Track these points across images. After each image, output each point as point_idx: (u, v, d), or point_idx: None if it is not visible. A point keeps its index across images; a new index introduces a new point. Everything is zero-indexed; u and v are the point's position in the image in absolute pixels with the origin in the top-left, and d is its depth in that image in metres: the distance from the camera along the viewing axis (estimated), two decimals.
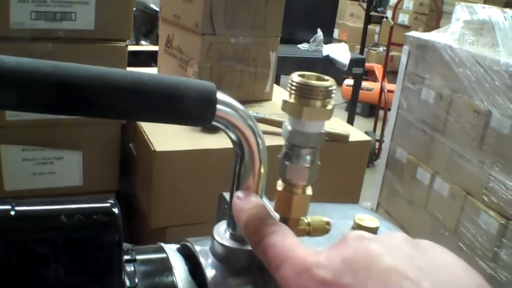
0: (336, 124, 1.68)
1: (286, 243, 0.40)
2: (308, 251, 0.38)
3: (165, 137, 1.42)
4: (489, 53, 2.67)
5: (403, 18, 7.10)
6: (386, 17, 5.08)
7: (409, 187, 3.12)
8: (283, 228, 0.41)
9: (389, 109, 3.67)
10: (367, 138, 1.62)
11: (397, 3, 4.73)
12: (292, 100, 0.41)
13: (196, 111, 0.43)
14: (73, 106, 0.43)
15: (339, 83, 5.91)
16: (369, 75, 5.87)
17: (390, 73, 4.89)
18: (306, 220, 0.47)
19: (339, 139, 1.51)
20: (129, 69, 1.84)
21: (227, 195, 0.55)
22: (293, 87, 0.41)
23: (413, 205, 3.08)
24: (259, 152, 0.47)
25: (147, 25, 6.18)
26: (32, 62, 0.41)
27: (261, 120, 1.51)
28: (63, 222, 0.43)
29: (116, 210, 0.45)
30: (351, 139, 1.53)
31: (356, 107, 4.01)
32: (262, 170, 0.48)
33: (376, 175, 3.54)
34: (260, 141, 0.46)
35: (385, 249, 0.35)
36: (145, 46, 2.87)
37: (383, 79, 4.46)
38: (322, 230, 0.48)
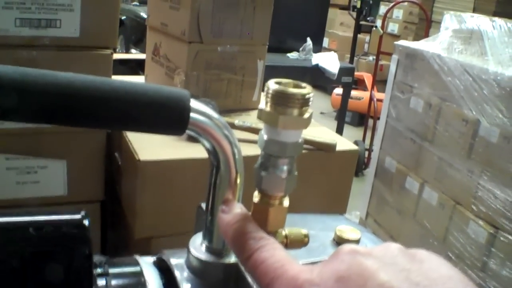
0: (324, 133, 1.67)
1: (276, 259, 0.38)
2: (299, 268, 0.37)
3: (150, 146, 1.40)
4: (478, 62, 2.68)
5: (393, 27, 7.12)
6: (376, 27, 5.08)
7: (398, 196, 3.11)
8: (271, 243, 0.40)
9: (378, 118, 3.67)
10: (355, 147, 1.61)
11: (387, 12, 4.75)
12: (268, 108, 0.40)
13: (168, 119, 0.42)
14: (36, 114, 0.41)
15: (329, 92, 5.92)
16: (359, 84, 5.88)
17: (380, 82, 4.89)
18: (283, 232, 0.46)
19: (326, 148, 1.50)
20: (115, 77, 1.83)
21: (203, 206, 0.53)
22: (269, 95, 0.40)
23: (402, 214, 3.08)
24: (235, 162, 0.45)
25: (137, 34, 6.17)
26: None
27: (248, 129, 1.49)
28: (31, 234, 0.42)
29: (86, 222, 0.43)
30: (338, 148, 1.52)
31: (345, 116, 4.01)
32: (238, 181, 0.46)
33: (365, 184, 3.53)
34: (236, 151, 0.45)
35: (380, 264, 0.34)
36: (133, 54, 2.86)
37: (372, 88, 4.47)
38: (300, 242, 0.46)
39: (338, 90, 5.07)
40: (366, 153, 4.35)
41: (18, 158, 1.44)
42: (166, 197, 1.38)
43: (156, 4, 1.87)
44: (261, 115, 0.41)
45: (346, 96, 3.89)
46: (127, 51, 6.27)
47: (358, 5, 5.24)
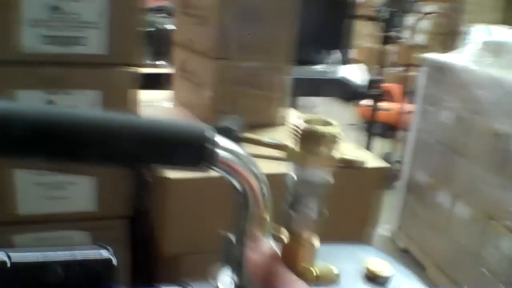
0: (352, 149, 1.64)
1: None
2: None
3: None
4: (509, 74, 2.63)
5: (420, 38, 7.04)
6: (403, 38, 5.04)
7: (430, 211, 3.07)
8: (301, 285, 0.38)
9: (408, 130, 3.63)
10: (384, 164, 1.58)
11: (415, 23, 4.70)
12: (296, 148, 0.39)
13: (192, 156, 0.40)
14: (55, 152, 0.40)
15: (356, 104, 5.87)
16: (386, 95, 5.82)
17: (408, 93, 4.85)
18: (314, 270, 0.44)
19: (355, 166, 1.47)
20: (145, 91, 1.82)
21: (232, 237, 0.52)
22: (298, 134, 0.38)
23: (434, 229, 3.03)
24: (264, 199, 0.43)
25: (164, 45, 6.20)
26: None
27: (276, 147, 1.47)
28: (59, 274, 0.41)
29: (113, 260, 0.42)
30: (367, 165, 1.49)
31: (373, 128, 3.97)
32: (267, 217, 0.44)
33: (395, 197, 3.49)
34: (264, 187, 0.43)
35: None
36: (160, 69, 2.86)
37: (402, 99, 4.42)
38: (330, 280, 0.44)
39: (366, 101, 5.03)
40: (396, 165, 4.30)
41: (47, 174, 1.44)
42: (195, 215, 1.37)
43: (182, 20, 1.86)
44: (289, 155, 0.39)
45: (374, 108, 3.85)
46: (154, 62, 6.30)
47: (385, 17, 5.20)
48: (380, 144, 5.13)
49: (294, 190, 0.40)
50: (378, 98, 3.79)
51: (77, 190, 1.47)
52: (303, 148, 0.38)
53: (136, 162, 0.44)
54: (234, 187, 0.43)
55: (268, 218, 0.45)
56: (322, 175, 0.39)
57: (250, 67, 1.69)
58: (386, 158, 4.34)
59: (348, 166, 1.46)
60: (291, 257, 0.42)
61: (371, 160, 1.55)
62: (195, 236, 1.40)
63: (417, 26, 6.83)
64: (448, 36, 5.78)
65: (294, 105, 3.33)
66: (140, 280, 1.62)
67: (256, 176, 0.43)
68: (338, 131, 0.38)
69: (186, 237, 1.38)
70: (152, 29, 6.54)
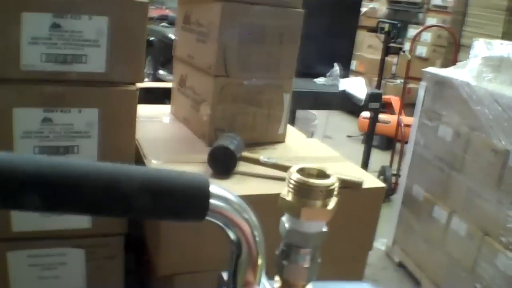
0: (350, 169, 1.65)
1: None
2: None
3: None
4: (508, 91, 2.64)
5: (421, 50, 7.06)
6: (404, 51, 5.05)
7: (426, 225, 3.07)
8: None
9: (406, 142, 3.63)
10: (381, 184, 1.58)
11: (416, 35, 4.71)
12: (289, 198, 0.39)
13: (187, 207, 0.41)
14: (48, 204, 0.40)
15: (356, 115, 5.88)
16: (386, 107, 5.83)
17: (408, 106, 4.85)
18: None
19: (353, 186, 1.48)
20: (141, 106, 1.83)
21: (225, 275, 0.52)
22: (291, 185, 0.39)
23: (430, 244, 3.03)
24: (257, 245, 0.44)
25: (165, 55, 6.21)
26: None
27: (273, 166, 1.48)
28: None
29: None
30: (365, 186, 1.49)
31: (372, 141, 3.97)
32: (259, 262, 0.45)
33: (392, 210, 3.49)
34: (257, 233, 0.43)
35: None
36: (159, 83, 2.87)
37: (400, 112, 4.43)
38: None
39: (365, 114, 5.03)
40: (393, 178, 4.30)
41: None
42: (189, 234, 1.36)
43: (184, 35, 1.87)
44: (283, 204, 0.39)
45: (373, 121, 3.85)
46: (155, 72, 6.31)
47: (386, 28, 5.22)
48: (378, 156, 5.14)
49: (287, 240, 0.40)
50: (378, 110, 3.79)
51: None
52: (297, 199, 0.38)
53: (126, 214, 0.44)
54: (227, 235, 0.44)
55: (260, 263, 0.45)
56: (316, 226, 0.39)
57: (250, 85, 1.69)
58: (383, 171, 4.35)
59: (346, 186, 1.46)
60: None
61: (369, 180, 1.55)
62: (189, 256, 1.39)
63: (418, 39, 6.85)
64: (449, 49, 5.80)
65: (294, 118, 3.33)
66: None
67: (249, 223, 0.43)
68: (335, 183, 0.38)
69: (180, 258, 1.38)
70: (154, 38, 6.56)
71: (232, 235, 0.43)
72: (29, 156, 0.39)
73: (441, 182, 2.96)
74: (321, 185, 0.38)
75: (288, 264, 0.40)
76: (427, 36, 7.01)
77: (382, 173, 4.36)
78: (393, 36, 5.69)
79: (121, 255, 1.56)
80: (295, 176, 0.38)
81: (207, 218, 0.41)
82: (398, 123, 4.40)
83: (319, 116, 4.32)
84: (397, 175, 4.23)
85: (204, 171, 1.46)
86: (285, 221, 0.40)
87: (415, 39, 4.87)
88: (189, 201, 0.40)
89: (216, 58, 1.61)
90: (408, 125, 3.92)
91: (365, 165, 3.79)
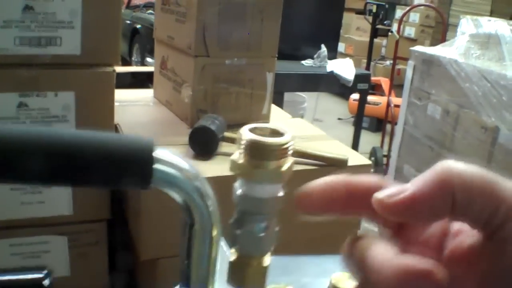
0: (336, 147, 1.62)
1: None
2: None
3: None
4: (496, 67, 2.61)
5: (410, 31, 7.03)
6: (392, 31, 5.02)
7: None
8: None
9: (396, 123, 3.61)
10: (367, 161, 1.56)
11: (403, 16, 4.68)
12: (241, 160, 0.35)
13: (128, 173, 0.37)
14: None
15: (346, 97, 5.86)
16: (376, 89, 5.80)
17: (398, 87, 4.83)
18: None
19: (337, 164, 1.45)
20: (124, 91, 1.78)
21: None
22: (243, 145, 0.35)
23: None
24: (210, 215, 0.40)
25: (152, 42, 6.15)
26: None
27: None
28: None
29: (46, 282, 0.39)
30: (350, 163, 1.47)
31: (362, 122, 3.94)
32: (214, 233, 0.41)
33: None
34: (210, 203, 0.40)
35: None
36: (142, 67, 2.84)
37: (389, 93, 4.40)
38: None
39: (355, 96, 5.00)
40: (384, 159, 4.29)
41: None
42: (171, 218, 1.33)
43: (163, 16, 1.83)
44: (234, 167, 0.36)
45: (362, 102, 3.82)
46: (142, 59, 6.26)
47: (374, 10, 5.18)
48: (369, 138, 5.12)
49: (240, 207, 0.37)
50: (366, 91, 3.76)
51: (52, 194, 1.44)
52: (249, 161, 0.35)
53: (66, 182, 0.41)
54: (179, 203, 0.41)
55: (215, 234, 0.42)
56: (271, 190, 0.36)
57: (231, 64, 1.65)
58: (374, 152, 4.33)
59: (331, 164, 1.44)
60: (238, 278, 0.39)
61: (354, 158, 1.52)
62: (171, 240, 1.36)
63: (407, 19, 6.81)
64: (437, 28, 5.77)
65: (282, 101, 3.30)
66: (119, 284, 1.60)
67: (200, 191, 0.40)
68: (289, 142, 0.35)
69: (162, 242, 1.35)
70: (140, 26, 6.50)
71: (183, 204, 0.40)
72: None
73: (431, 161, 2.87)
74: (274, 144, 0.35)
75: (242, 233, 0.37)
76: (415, 17, 6.98)
77: (373, 155, 4.35)
78: (381, 17, 5.65)
79: (105, 241, 1.54)
80: (245, 135, 0.35)
81: (153, 185, 0.38)
82: (388, 104, 4.37)
83: (308, 99, 4.29)
84: (388, 156, 4.21)
85: (186, 153, 1.43)
86: (237, 186, 0.37)
87: (403, 19, 4.84)
88: (131, 166, 0.37)
89: (195, 38, 1.57)
90: (398, 106, 3.90)
91: (355, 146, 3.77)
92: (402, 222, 0.35)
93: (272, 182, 0.36)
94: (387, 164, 4.09)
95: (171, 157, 0.38)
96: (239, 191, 0.36)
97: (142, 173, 0.37)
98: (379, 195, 0.32)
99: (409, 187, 0.31)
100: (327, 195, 0.35)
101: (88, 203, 1.50)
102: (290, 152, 0.36)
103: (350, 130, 3.99)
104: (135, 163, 0.37)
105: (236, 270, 0.39)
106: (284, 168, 0.36)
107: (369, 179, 0.35)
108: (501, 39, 2.79)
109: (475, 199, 0.30)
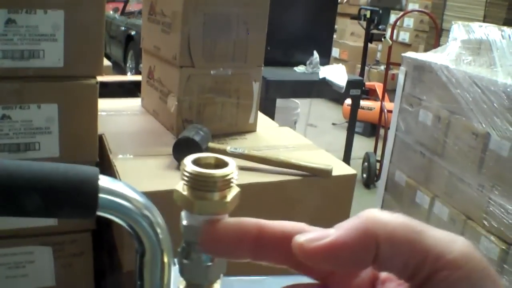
0: (321, 156, 1.62)
1: None
2: None
3: (138, 176, 1.36)
4: (487, 73, 2.62)
5: (404, 36, 7.05)
6: (385, 37, 5.02)
7: (409, 211, 3.05)
8: None
9: (389, 128, 3.62)
10: (352, 171, 1.56)
11: (396, 21, 4.69)
12: (184, 192, 0.35)
13: (73, 204, 0.37)
14: None
15: (341, 102, 5.87)
16: (370, 94, 5.81)
17: (392, 92, 4.83)
18: None
19: (322, 174, 1.45)
20: (112, 100, 1.79)
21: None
22: (185, 177, 0.35)
23: None
24: (159, 242, 0.40)
25: None
26: None
27: (240, 156, 1.45)
28: None
29: None
30: (335, 173, 1.47)
31: (354, 128, 3.96)
32: (165, 260, 0.41)
33: (375, 196, 3.48)
34: (159, 230, 0.40)
35: None
36: (129, 77, 2.84)
37: (382, 98, 4.41)
38: None
39: (350, 101, 5.02)
40: (378, 164, 4.29)
41: None
42: None
43: (149, 26, 1.83)
44: (178, 199, 0.36)
45: (355, 108, 3.84)
46: (137, 65, 6.27)
47: (368, 15, 5.18)
48: (363, 143, 5.13)
49: (185, 237, 0.37)
50: (359, 97, 3.77)
51: None
52: (191, 193, 0.35)
53: (12, 213, 0.41)
54: (129, 232, 0.41)
55: (167, 261, 0.42)
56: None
57: (216, 74, 1.65)
58: (367, 157, 4.34)
59: (315, 174, 1.44)
60: None
61: (339, 168, 1.52)
62: None
63: (401, 24, 6.82)
64: (431, 34, 5.78)
65: (274, 107, 3.30)
66: None
67: (148, 219, 0.40)
68: (232, 173, 0.35)
69: None
70: (134, 32, 6.51)
71: (132, 232, 0.40)
72: None
73: (422, 167, 2.95)
74: (215, 175, 0.35)
75: (188, 263, 0.37)
76: (409, 22, 6.99)
77: (367, 160, 4.35)
78: (376, 22, 5.65)
79: (90, 252, 1.54)
80: (187, 167, 0.35)
81: (99, 213, 0.38)
82: (381, 109, 4.38)
83: (302, 104, 4.29)
84: (381, 161, 4.22)
85: (170, 163, 1.43)
86: (182, 217, 0.37)
87: (396, 24, 4.85)
88: (75, 196, 0.37)
89: (180, 48, 1.57)
90: (391, 111, 3.91)
91: (347, 152, 3.77)
92: (322, 269, 0.34)
93: (216, 213, 0.35)
94: (380, 170, 4.10)
95: (118, 186, 0.38)
96: (184, 222, 0.36)
97: (87, 203, 0.37)
98: (300, 238, 0.31)
99: (332, 233, 0.30)
100: (234, 237, 0.34)
101: None
102: (234, 183, 0.36)
103: (344, 135, 4.01)
104: (80, 194, 0.37)
105: None
106: (228, 199, 0.36)
107: (286, 224, 0.34)
108: (492, 45, 2.79)
109: (399, 250, 0.29)
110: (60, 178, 0.37)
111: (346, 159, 3.76)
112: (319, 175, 1.45)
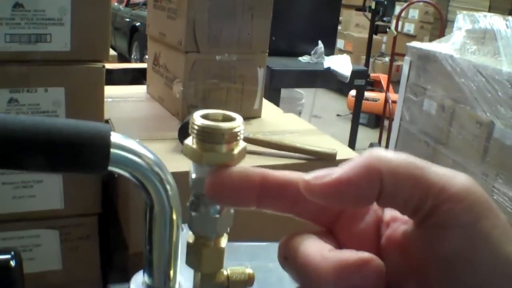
0: (325, 141, 1.63)
1: None
2: None
3: None
4: (491, 62, 2.62)
5: (409, 28, 7.04)
6: (389, 28, 5.02)
7: None
8: None
9: (393, 119, 3.62)
10: (357, 155, 1.56)
11: (400, 12, 4.69)
12: (193, 145, 0.37)
13: (85, 157, 0.38)
14: None
15: (345, 93, 5.87)
16: (375, 85, 5.81)
17: (397, 83, 4.84)
18: (225, 273, 0.42)
19: (326, 158, 1.46)
20: (117, 87, 1.79)
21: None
22: (194, 130, 0.37)
23: None
24: (169, 199, 0.42)
25: None
26: None
27: (244, 140, 1.45)
28: None
29: (13, 264, 0.40)
30: (339, 157, 1.48)
31: (359, 118, 3.96)
32: (174, 217, 0.43)
33: None
34: (169, 187, 0.41)
35: None
36: (135, 64, 2.85)
37: (387, 89, 4.41)
38: (243, 283, 0.43)
39: (354, 92, 5.03)
40: None
41: (13, 173, 1.42)
42: None
43: (155, 13, 1.84)
44: (187, 152, 0.37)
45: (359, 98, 3.84)
46: (142, 56, 6.28)
47: (373, 6, 5.18)
48: (367, 134, 5.13)
49: (194, 189, 0.38)
50: (363, 88, 3.78)
51: (44, 188, 1.45)
52: (199, 145, 0.36)
53: (25, 166, 0.42)
54: (138, 187, 0.42)
55: (175, 218, 0.43)
56: None
57: (222, 60, 1.66)
58: (371, 147, 4.34)
59: (319, 158, 1.45)
60: (195, 260, 0.40)
61: (344, 152, 1.53)
62: None
63: (406, 15, 6.81)
64: (436, 25, 5.77)
65: (278, 97, 3.31)
66: (112, 277, 1.61)
67: (158, 175, 0.41)
68: (239, 127, 0.36)
69: None
70: (138, 23, 6.51)
71: (142, 188, 0.41)
72: None
73: (427, 156, 2.95)
74: (222, 127, 0.36)
75: (197, 215, 0.38)
76: (414, 13, 6.98)
77: None
78: (381, 14, 5.65)
79: (96, 235, 1.55)
80: (196, 120, 0.36)
81: (111, 168, 0.39)
82: (386, 100, 4.39)
83: (306, 95, 4.30)
84: None
85: (175, 147, 1.44)
86: (192, 170, 0.38)
87: (401, 16, 4.84)
88: (88, 151, 0.38)
89: (185, 34, 1.58)
90: (395, 102, 3.91)
91: (352, 142, 3.78)
92: (327, 213, 0.35)
93: (224, 164, 0.37)
94: None
95: (129, 142, 0.40)
96: (193, 175, 0.37)
97: (99, 157, 0.38)
98: (306, 176, 0.32)
99: (337, 170, 0.31)
100: (238, 184, 0.34)
101: (79, 197, 1.52)
102: (241, 136, 0.37)
103: (348, 127, 4.01)
104: (92, 147, 0.38)
105: (192, 252, 0.40)
106: (236, 151, 0.37)
107: (290, 172, 0.35)
108: (497, 35, 2.79)
109: (403, 185, 0.30)
110: (72, 132, 0.38)
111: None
112: (323, 158, 1.46)
